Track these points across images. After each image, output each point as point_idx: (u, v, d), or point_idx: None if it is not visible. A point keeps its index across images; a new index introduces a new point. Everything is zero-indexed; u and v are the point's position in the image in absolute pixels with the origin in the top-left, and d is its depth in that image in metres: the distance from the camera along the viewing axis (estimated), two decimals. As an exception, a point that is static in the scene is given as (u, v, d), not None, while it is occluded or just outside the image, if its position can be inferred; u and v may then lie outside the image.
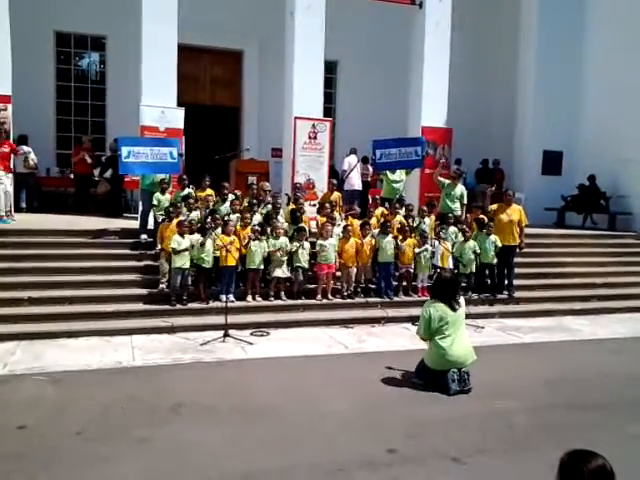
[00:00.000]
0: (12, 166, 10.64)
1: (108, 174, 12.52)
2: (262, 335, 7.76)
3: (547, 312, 9.56)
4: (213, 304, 8.36)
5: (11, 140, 10.64)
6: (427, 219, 10.16)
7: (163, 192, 9.33)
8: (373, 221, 9.82)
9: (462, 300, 6.09)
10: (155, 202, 9.22)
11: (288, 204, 10.16)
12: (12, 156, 10.64)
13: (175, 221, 8.42)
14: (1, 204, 10.14)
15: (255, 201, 9.49)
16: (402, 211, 10.15)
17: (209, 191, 9.79)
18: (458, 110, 13.28)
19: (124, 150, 9.29)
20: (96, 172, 13.25)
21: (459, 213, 10.58)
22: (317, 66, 11.87)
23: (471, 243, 9.50)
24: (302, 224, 9.30)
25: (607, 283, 10.75)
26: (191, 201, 9.12)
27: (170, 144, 9.69)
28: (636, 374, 6.61)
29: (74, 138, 14.76)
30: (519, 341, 8.07)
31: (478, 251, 9.48)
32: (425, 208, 10.44)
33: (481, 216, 10.07)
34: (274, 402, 5.39)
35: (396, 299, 9.30)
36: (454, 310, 5.85)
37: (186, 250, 8.13)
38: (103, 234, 9.47)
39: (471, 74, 16.30)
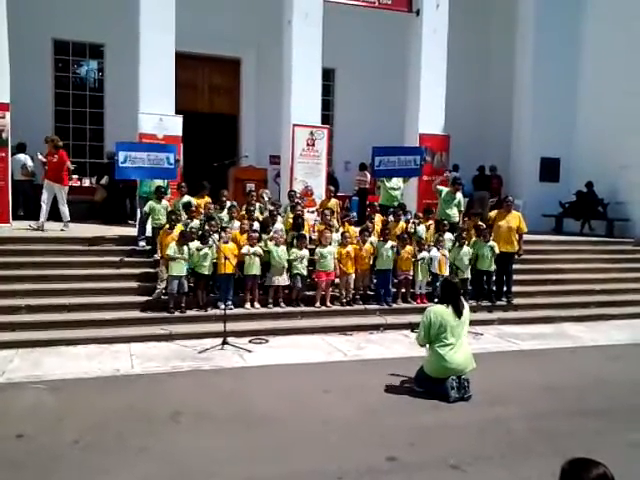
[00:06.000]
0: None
1: (104, 181, 12.52)
2: (261, 342, 7.74)
3: (546, 319, 9.56)
4: (211, 311, 8.35)
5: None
6: (424, 226, 10.17)
7: (160, 200, 9.31)
8: (377, 225, 9.86)
9: (467, 307, 6.09)
10: (147, 209, 9.20)
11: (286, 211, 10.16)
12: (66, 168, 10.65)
13: (177, 229, 8.41)
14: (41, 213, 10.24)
15: (253, 208, 9.49)
16: (403, 218, 10.16)
17: (208, 198, 9.80)
18: (455, 117, 13.31)
19: (121, 155, 9.32)
20: (93, 180, 13.29)
21: (457, 220, 10.59)
22: (315, 73, 11.92)
23: (465, 249, 9.51)
24: (303, 231, 9.31)
25: (605, 289, 10.75)
26: (192, 209, 9.12)
27: (167, 150, 9.72)
28: (635, 381, 6.61)
29: (72, 146, 14.77)
30: (518, 348, 8.07)
31: (470, 257, 9.50)
32: (422, 214, 10.46)
33: (479, 223, 10.08)
34: (273, 410, 5.38)
35: (395, 306, 9.30)
36: (460, 316, 5.84)
37: (183, 258, 8.13)
38: (100, 241, 9.46)
39: (468, 80, 16.36)
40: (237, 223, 9.12)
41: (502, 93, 15.99)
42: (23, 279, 8.30)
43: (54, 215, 10.57)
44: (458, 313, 5.84)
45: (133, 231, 9.89)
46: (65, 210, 10.52)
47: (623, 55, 13.61)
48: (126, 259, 9.14)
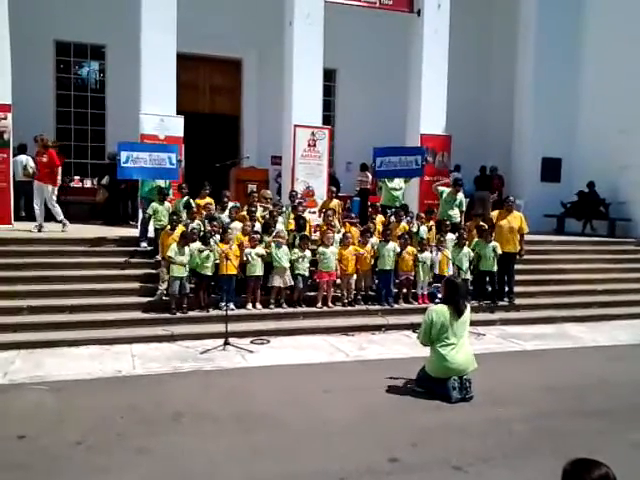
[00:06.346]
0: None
1: (105, 181, 12.53)
2: (262, 343, 7.74)
3: (548, 319, 9.55)
4: (213, 312, 8.36)
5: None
6: (425, 226, 10.17)
7: (162, 201, 9.31)
8: (378, 227, 9.85)
9: (468, 307, 6.08)
10: (151, 211, 9.20)
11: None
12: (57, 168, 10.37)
13: (178, 230, 8.41)
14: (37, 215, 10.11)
15: (254, 209, 9.48)
16: (405, 219, 10.15)
17: (209, 199, 9.80)
18: (457, 117, 13.29)
19: (123, 155, 9.34)
20: (95, 181, 13.31)
21: (458, 220, 10.58)
22: (316, 74, 11.90)
23: (465, 250, 9.50)
24: (305, 232, 9.30)
25: (607, 290, 10.74)
26: (194, 209, 9.11)
27: (169, 150, 9.74)
28: (637, 381, 6.60)
29: (73, 147, 14.80)
30: (520, 348, 8.06)
31: (472, 257, 9.49)
32: (423, 215, 10.46)
33: (481, 223, 10.07)
34: (275, 410, 5.37)
35: (396, 306, 9.29)
36: (460, 316, 5.83)
37: (183, 260, 8.12)
38: (102, 242, 9.45)
39: (469, 80, 16.36)
40: (235, 224, 9.09)
41: (503, 93, 15.99)
42: (25, 280, 8.30)
43: (53, 216, 10.55)
44: (459, 313, 5.83)
45: (134, 232, 9.89)
46: (57, 210, 10.41)
47: (624, 55, 13.59)
48: (128, 260, 9.14)
